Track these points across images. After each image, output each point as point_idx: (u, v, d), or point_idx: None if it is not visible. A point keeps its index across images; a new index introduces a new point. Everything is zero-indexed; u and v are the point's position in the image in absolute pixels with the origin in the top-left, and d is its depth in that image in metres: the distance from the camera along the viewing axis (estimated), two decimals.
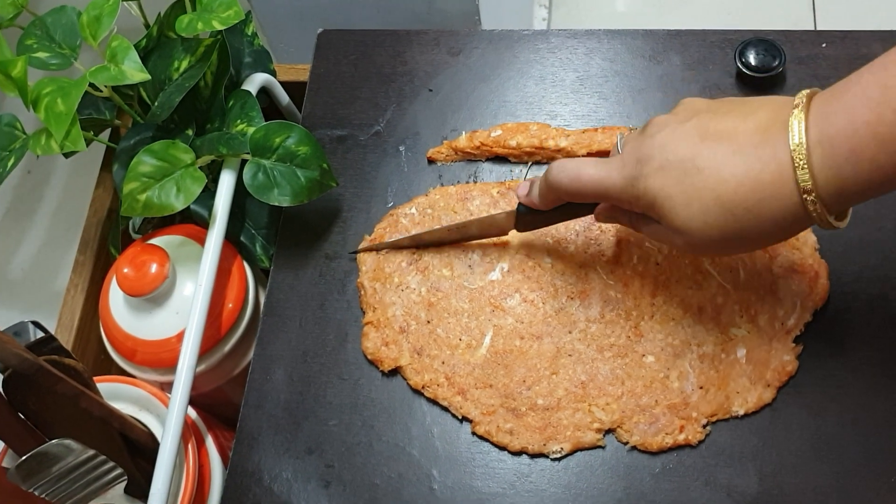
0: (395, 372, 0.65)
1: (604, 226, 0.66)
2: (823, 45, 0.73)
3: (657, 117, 0.54)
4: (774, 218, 0.49)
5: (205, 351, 0.73)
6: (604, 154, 0.70)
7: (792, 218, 0.49)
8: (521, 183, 0.63)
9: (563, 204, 0.60)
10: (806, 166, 0.47)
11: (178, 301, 0.72)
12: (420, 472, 0.62)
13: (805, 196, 0.47)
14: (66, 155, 0.72)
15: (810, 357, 0.62)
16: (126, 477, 0.60)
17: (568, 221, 0.67)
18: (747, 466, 0.59)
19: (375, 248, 0.68)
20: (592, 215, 0.60)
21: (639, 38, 0.76)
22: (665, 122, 0.53)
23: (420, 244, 0.68)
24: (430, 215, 0.69)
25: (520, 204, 0.63)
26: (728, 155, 0.49)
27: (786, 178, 0.48)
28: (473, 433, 0.62)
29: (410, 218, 0.69)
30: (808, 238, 0.65)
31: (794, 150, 0.47)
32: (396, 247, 0.68)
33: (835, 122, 0.46)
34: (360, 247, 0.69)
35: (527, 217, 0.63)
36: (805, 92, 0.49)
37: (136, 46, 0.68)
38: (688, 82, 0.73)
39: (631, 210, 0.55)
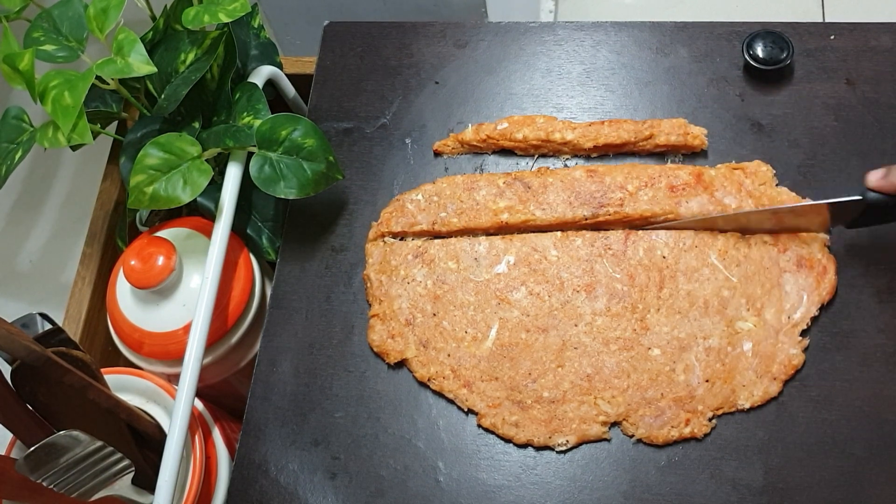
0: (401, 364, 0.65)
1: (610, 218, 0.66)
2: (832, 37, 0.73)
3: None
4: None
5: (211, 343, 0.73)
6: (611, 147, 0.70)
7: None
8: (872, 171, 0.56)
9: None
10: None
11: (184, 293, 0.72)
12: (426, 464, 0.62)
13: None
14: (74, 148, 0.72)
15: (817, 351, 0.62)
16: (133, 468, 0.61)
17: (573, 212, 0.67)
18: (753, 460, 0.59)
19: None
20: None
21: (646, 30, 0.76)
22: None
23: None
24: (436, 202, 0.69)
25: (868, 191, 0.57)
26: None
27: None
28: (479, 425, 0.62)
29: (416, 204, 0.69)
30: (819, 234, 0.64)
31: None
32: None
33: None
34: (371, 234, 0.69)
35: (876, 208, 0.57)
36: None
37: (142, 39, 0.68)
38: (695, 75, 0.73)
39: None
